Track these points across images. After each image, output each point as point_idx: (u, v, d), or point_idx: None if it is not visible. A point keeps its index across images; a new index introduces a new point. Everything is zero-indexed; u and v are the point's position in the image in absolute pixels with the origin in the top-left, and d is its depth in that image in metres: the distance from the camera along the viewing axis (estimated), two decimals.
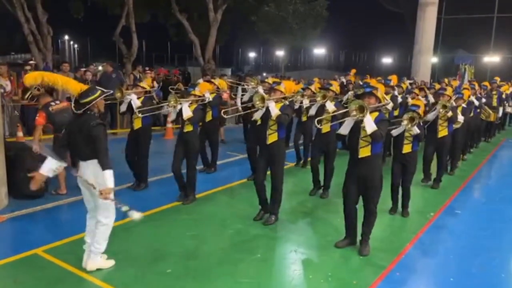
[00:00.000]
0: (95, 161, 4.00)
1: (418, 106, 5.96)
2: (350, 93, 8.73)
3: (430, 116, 7.20)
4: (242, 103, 8.44)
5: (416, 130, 5.84)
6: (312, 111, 6.96)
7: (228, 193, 6.94)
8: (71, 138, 4.12)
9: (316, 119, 5.64)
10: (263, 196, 5.65)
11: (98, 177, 4.00)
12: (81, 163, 4.11)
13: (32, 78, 3.92)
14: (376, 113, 4.78)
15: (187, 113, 6.10)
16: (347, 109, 4.89)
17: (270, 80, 8.67)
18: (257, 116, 5.63)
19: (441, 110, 7.07)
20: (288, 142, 9.60)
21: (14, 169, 6.10)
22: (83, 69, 11.65)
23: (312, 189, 6.97)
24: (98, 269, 4.25)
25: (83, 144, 4.01)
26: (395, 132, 5.85)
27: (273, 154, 5.46)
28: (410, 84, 12.44)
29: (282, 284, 4.25)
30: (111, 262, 4.35)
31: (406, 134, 5.95)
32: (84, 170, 4.09)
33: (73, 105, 3.98)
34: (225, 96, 8.95)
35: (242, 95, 9.09)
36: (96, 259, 4.25)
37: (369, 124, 4.53)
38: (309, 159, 8.41)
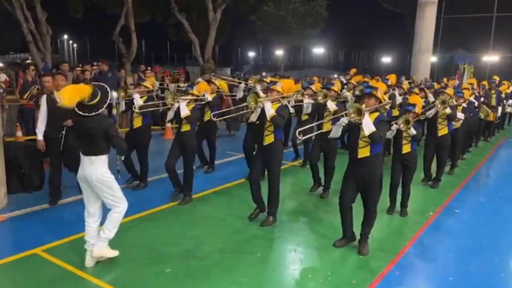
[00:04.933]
0: (100, 157, 4.11)
1: (414, 105, 5.94)
2: (347, 93, 8.72)
3: (429, 113, 7.21)
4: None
5: (412, 131, 5.84)
6: (308, 110, 6.97)
7: (227, 193, 6.93)
8: (77, 136, 4.21)
9: (298, 130, 5.59)
10: (256, 194, 5.62)
11: (101, 174, 4.11)
12: (86, 159, 4.13)
13: (70, 96, 3.81)
14: (376, 113, 4.78)
15: (185, 111, 6.09)
16: (344, 113, 4.93)
17: (269, 79, 8.70)
18: (253, 118, 5.61)
19: (439, 105, 7.08)
20: (286, 143, 9.61)
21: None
22: (79, 68, 11.61)
23: (312, 186, 6.96)
24: (97, 269, 4.25)
25: (93, 141, 4.07)
26: (388, 134, 5.85)
27: (270, 155, 5.44)
28: (409, 83, 12.43)
29: (282, 283, 4.25)
30: (115, 252, 4.40)
31: (404, 134, 5.95)
32: (87, 165, 4.12)
33: (76, 107, 3.95)
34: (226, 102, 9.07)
35: None
36: (103, 246, 4.29)
37: (367, 126, 4.54)
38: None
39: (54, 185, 6.07)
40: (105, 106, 4.06)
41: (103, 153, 4.14)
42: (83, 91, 3.88)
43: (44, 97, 5.89)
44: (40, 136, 5.86)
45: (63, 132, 5.83)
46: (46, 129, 5.82)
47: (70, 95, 3.82)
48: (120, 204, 4.30)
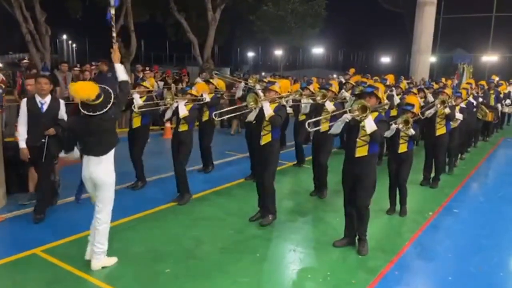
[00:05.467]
0: (106, 156, 4.14)
1: (413, 105, 5.95)
2: (346, 93, 8.73)
3: (428, 113, 7.21)
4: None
5: (411, 132, 5.85)
6: (306, 110, 6.96)
7: (227, 193, 6.93)
8: (83, 138, 4.24)
9: (307, 122, 5.57)
10: (262, 196, 5.63)
11: (107, 173, 4.17)
12: (92, 159, 4.16)
13: (87, 91, 3.88)
14: (376, 113, 4.79)
15: (183, 111, 6.10)
16: (345, 110, 4.94)
17: (268, 79, 8.70)
18: (250, 117, 5.62)
19: (439, 105, 7.09)
20: (284, 142, 9.61)
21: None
22: (77, 68, 11.61)
23: (313, 190, 6.95)
24: (97, 269, 4.25)
25: (101, 138, 4.12)
26: (387, 134, 5.84)
27: (266, 154, 5.45)
28: (408, 83, 12.44)
29: (281, 283, 4.25)
30: (114, 259, 4.40)
31: (402, 133, 5.96)
32: (94, 165, 4.15)
33: (81, 106, 3.99)
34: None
35: None
36: (100, 258, 4.29)
37: (370, 124, 4.55)
38: (307, 158, 8.44)
39: (44, 192, 5.50)
40: (109, 106, 4.04)
41: (111, 148, 4.19)
42: (89, 89, 3.89)
43: (24, 100, 5.36)
44: (23, 144, 5.29)
45: (43, 141, 5.31)
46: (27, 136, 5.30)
47: (76, 89, 3.86)
48: (106, 217, 4.28)
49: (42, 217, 5.40)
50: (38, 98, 5.35)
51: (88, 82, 4.12)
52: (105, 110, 4.01)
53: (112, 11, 4.61)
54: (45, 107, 5.35)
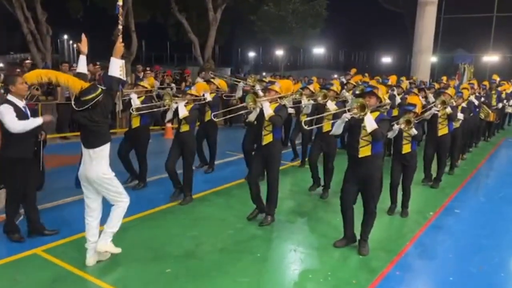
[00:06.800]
0: (98, 149, 4.11)
1: (414, 105, 5.94)
2: (347, 94, 8.72)
3: (428, 114, 7.19)
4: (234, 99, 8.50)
5: (413, 132, 5.84)
6: (307, 110, 6.95)
7: (227, 193, 6.93)
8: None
9: (304, 120, 5.57)
10: (256, 195, 5.60)
11: (100, 172, 4.12)
12: (86, 151, 4.15)
13: (33, 76, 3.91)
14: (377, 113, 4.78)
15: (183, 112, 6.10)
16: (346, 108, 4.94)
17: (268, 79, 8.71)
18: (251, 117, 5.62)
19: (439, 105, 7.07)
20: (286, 142, 9.63)
21: None
22: (75, 68, 11.59)
23: (311, 185, 6.95)
24: (97, 269, 4.25)
25: (90, 133, 4.12)
26: (390, 135, 5.84)
27: (269, 155, 5.44)
28: (410, 84, 12.42)
29: (282, 283, 4.25)
30: (118, 249, 4.43)
31: (405, 134, 5.94)
32: (88, 162, 4.13)
33: (73, 102, 4.00)
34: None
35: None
36: (108, 240, 4.31)
37: (370, 123, 4.54)
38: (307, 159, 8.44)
39: (35, 225, 4.89)
40: (94, 101, 3.98)
41: (105, 142, 4.14)
42: (50, 74, 3.94)
43: (6, 106, 4.44)
44: (40, 120, 4.63)
45: (36, 149, 4.81)
46: (12, 149, 4.51)
47: (35, 73, 3.91)
48: (122, 199, 4.34)
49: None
50: (20, 103, 4.57)
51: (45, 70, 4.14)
52: (91, 103, 3.97)
53: (120, 2, 4.53)
54: (28, 112, 4.66)
